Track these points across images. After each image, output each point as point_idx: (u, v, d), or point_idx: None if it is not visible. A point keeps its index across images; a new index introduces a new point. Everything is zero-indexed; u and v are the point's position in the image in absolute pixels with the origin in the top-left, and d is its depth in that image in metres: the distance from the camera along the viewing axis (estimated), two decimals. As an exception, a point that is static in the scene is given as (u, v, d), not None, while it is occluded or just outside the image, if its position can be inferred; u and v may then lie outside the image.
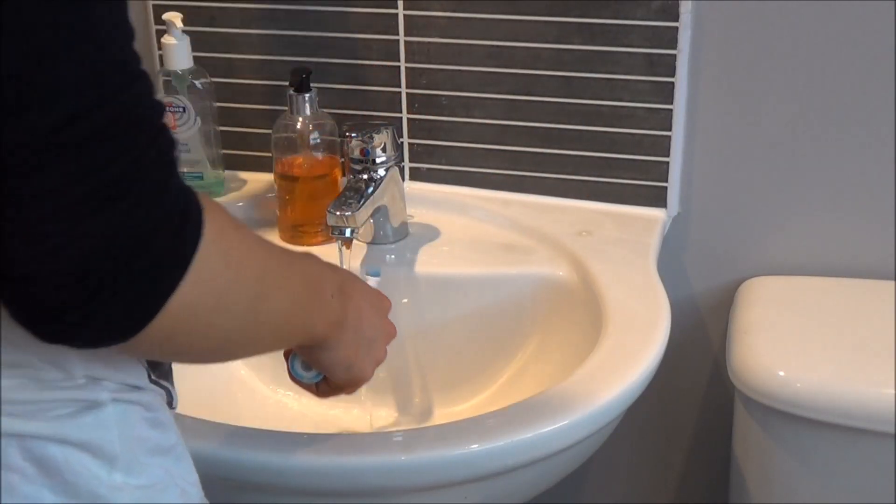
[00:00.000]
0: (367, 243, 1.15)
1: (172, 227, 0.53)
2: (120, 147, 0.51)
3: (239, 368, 1.16)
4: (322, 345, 0.74)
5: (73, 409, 0.60)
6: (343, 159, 1.16)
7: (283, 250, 0.67)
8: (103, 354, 0.60)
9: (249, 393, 1.15)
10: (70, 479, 0.60)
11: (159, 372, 0.67)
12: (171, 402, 0.69)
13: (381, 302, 0.81)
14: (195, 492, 0.69)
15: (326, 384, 0.82)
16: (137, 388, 0.64)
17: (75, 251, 0.51)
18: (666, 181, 1.16)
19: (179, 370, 0.71)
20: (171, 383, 0.69)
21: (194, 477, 0.69)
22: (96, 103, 0.50)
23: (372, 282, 0.85)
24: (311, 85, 1.13)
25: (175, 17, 1.16)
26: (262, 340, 0.66)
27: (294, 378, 0.82)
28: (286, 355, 0.81)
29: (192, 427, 0.85)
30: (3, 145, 0.49)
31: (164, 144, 0.54)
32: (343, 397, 1.13)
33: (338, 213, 1.02)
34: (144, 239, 0.52)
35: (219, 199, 1.23)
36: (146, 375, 0.65)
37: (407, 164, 1.23)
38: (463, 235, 1.17)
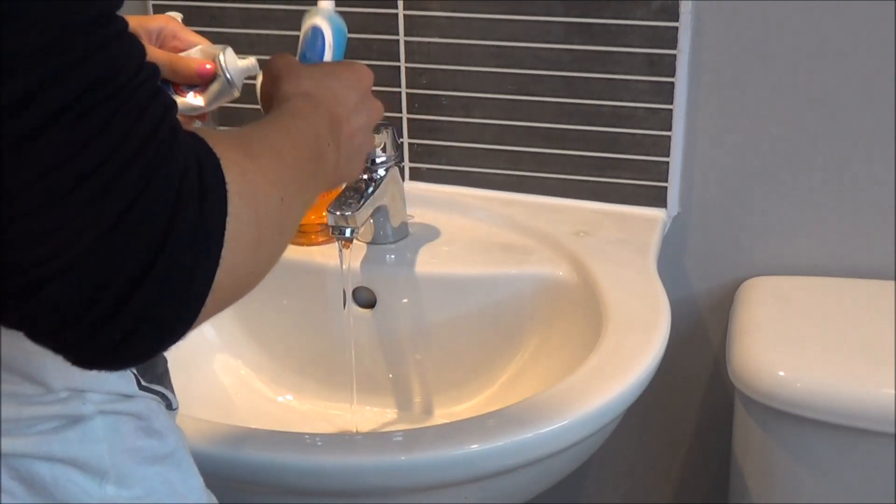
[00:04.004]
0: (367, 243, 1.15)
1: (193, 204, 0.46)
2: (102, 124, 0.44)
3: (239, 368, 1.16)
4: (331, 183, 0.69)
5: (56, 425, 0.57)
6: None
7: (280, 135, 0.60)
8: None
9: (249, 393, 1.15)
10: (59, 496, 0.57)
11: (151, 377, 0.64)
12: (169, 405, 0.67)
13: (359, 85, 0.73)
14: (196, 496, 0.66)
15: None
16: (127, 396, 0.61)
17: (80, 259, 0.44)
18: (666, 181, 1.16)
19: (177, 371, 0.70)
20: (167, 386, 0.67)
21: (197, 481, 0.66)
22: (61, 73, 0.43)
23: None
24: (311, 85, 1.14)
25: (175, 17, 1.16)
26: (295, 226, 0.60)
27: None
28: None
29: (191, 427, 0.85)
30: None
31: (157, 110, 0.46)
32: (341, 397, 1.13)
33: (338, 213, 1.02)
34: (163, 229, 0.45)
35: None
36: (135, 383, 0.62)
37: (407, 164, 1.23)
38: (463, 235, 1.17)
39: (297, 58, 0.78)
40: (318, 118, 0.66)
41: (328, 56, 0.78)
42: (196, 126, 0.58)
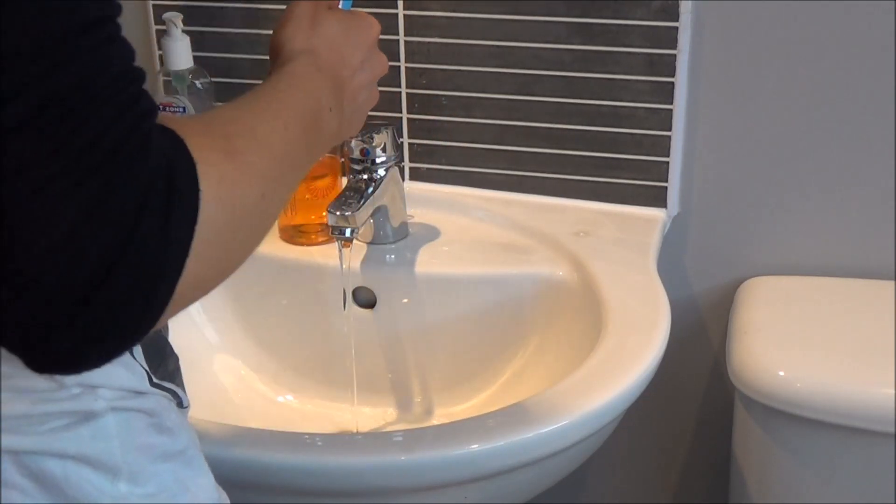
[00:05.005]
0: (367, 243, 1.15)
1: (159, 214, 0.46)
2: (71, 130, 0.44)
3: (239, 369, 1.16)
4: (332, 143, 0.70)
5: (68, 422, 0.57)
6: (343, 159, 1.16)
7: (270, 117, 0.59)
8: None
9: (249, 393, 1.15)
10: (71, 493, 0.57)
11: (162, 374, 0.64)
12: (180, 403, 0.66)
13: (366, 40, 0.74)
14: (207, 494, 0.66)
15: None
16: (138, 393, 0.61)
17: (37, 265, 0.44)
18: (666, 181, 1.16)
19: (178, 370, 0.71)
20: (178, 383, 0.67)
21: (208, 479, 0.66)
22: (38, 77, 0.43)
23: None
24: (311, 85, 1.13)
25: (175, 18, 1.16)
26: (279, 212, 0.60)
27: None
28: None
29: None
30: None
31: (131, 118, 0.46)
32: (341, 397, 1.13)
33: (338, 213, 1.02)
34: (122, 239, 0.45)
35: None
36: (146, 379, 0.62)
37: (407, 164, 1.23)
38: (463, 235, 1.17)
39: None
40: (320, 81, 0.66)
41: (339, 5, 0.78)
42: (178, 117, 0.58)
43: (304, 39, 0.69)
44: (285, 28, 0.70)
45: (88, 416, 0.58)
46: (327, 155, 1.16)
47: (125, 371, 0.60)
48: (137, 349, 0.62)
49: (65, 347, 0.46)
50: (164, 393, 0.64)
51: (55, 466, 0.57)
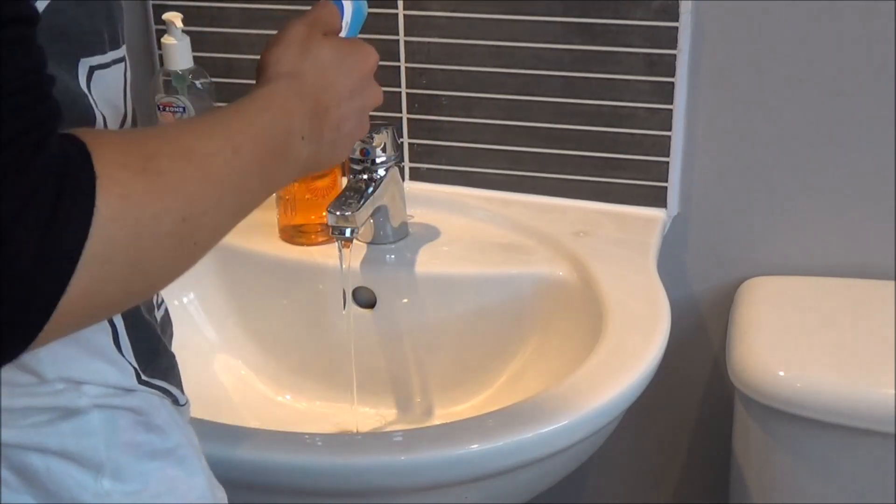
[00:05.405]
0: (367, 243, 1.15)
1: (39, 227, 0.44)
2: None
3: (239, 369, 1.16)
4: (304, 172, 0.66)
5: (50, 417, 0.57)
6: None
7: (217, 137, 0.56)
8: (79, 355, 0.58)
9: (249, 393, 1.15)
10: (53, 489, 0.57)
11: (153, 371, 0.63)
12: (176, 401, 0.66)
13: (361, 68, 0.71)
14: (198, 494, 0.65)
15: None
16: (126, 390, 0.60)
17: None
18: (666, 181, 1.16)
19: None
20: (172, 381, 0.66)
21: (201, 479, 0.66)
22: None
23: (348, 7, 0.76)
24: (311, 85, 1.13)
25: (175, 17, 1.16)
26: (216, 237, 0.56)
27: None
28: None
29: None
30: None
31: (18, 122, 0.44)
32: (341, 397, 1.13)
33: (338, 213, 1.02)
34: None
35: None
36: (135, 377, 0.61)
37: (407, 164, 1.23)
38: (463, 235, 1.17)
39: None
40: (297, 107, 0.64)
41: (342, 33, 0.77)
42: (101, 131, 0.57)
43: (290, 63, 0.66)
44: (274, 49, 0.67)
45: (71, 413, 0.58)
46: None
47: (112, 368, 0.60)
48: (126, 346, 0.61)
49: None
50: (154, 391, 0.63)
51: (37, 461, 0.57)
